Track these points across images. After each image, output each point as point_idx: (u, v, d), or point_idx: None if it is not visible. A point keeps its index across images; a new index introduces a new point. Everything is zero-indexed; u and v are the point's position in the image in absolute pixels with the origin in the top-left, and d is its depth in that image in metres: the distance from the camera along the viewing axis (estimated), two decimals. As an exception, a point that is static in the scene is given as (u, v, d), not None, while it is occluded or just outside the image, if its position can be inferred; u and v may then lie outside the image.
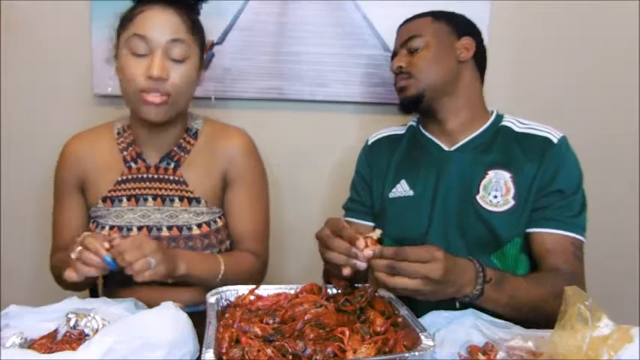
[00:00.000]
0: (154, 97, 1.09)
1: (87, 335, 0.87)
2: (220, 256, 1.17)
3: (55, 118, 1.61)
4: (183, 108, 1.18)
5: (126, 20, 1.12)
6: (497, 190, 1.17)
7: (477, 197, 1.18)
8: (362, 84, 1.62)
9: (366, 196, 1.33)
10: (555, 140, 1.18)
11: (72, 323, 0.88)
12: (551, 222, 1.15)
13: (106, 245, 0.95)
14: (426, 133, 1.30)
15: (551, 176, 1.16)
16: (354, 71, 1.61)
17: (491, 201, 1.17)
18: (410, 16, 1.30)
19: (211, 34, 1.22)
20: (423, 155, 1.27)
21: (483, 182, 1.19)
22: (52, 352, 0.81)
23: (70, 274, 0.96)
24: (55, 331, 0.89)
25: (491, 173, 1.19)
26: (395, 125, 1.39)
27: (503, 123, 1.25)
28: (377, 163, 1.33)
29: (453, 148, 1.25)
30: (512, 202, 1.16)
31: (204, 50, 1.20)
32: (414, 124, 1.35)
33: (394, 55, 1.30)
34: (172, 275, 1.04)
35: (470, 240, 1.19)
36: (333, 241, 0.92)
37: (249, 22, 1.57)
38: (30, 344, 0.86)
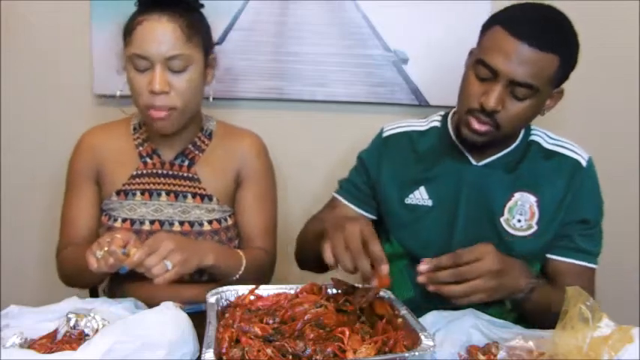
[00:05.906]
0: (159, 112, 1.12)
1: (87, 335, 0.87)
2: (241, 252, 1.18)
3: (55, 118, 1.61)
4: (193, 112, 1.20)
5: (127, 34, 1.14)
6: (521, 215, 1.14)
7: (502, 219, 1.15)
8: (362, 84, 1.61)
9: (365, 189, 1.26)
10: (584, 163, 1.17)
11: (72, 323, 0.88)
12: (572, 252, 1.15)
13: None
14: (456, 141, 1.20)
15: (577, 203, 1.15)
16: (354, 71, 1.61)
17: (514, 225, 1.14)
18: (529, 23, 1.02)
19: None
20: (447, 164, 1.19)
21: (509, 204, 1.15)
22: (52, 352, 0.81)
23: (92, 262, 0.96)
24: (55, 331, 0.89)
25: (517, 195, 1.15)
26: (412, 119, 1.29)
27: (533, 137, 1.19)
28: (390, 161, 1.23)
29: (481, 163, 1.17)
30: (535, 228, 1.14)
31: (211, 47, 1.21)
32: (437, 124, 1.25)
33: (482, 75, 1.05)
34: (199, 267, 1.05)
35: None
36: (361, 258, 0.87)
37: (249, 22, 1.57)
38: (30, 344, 0.86)
